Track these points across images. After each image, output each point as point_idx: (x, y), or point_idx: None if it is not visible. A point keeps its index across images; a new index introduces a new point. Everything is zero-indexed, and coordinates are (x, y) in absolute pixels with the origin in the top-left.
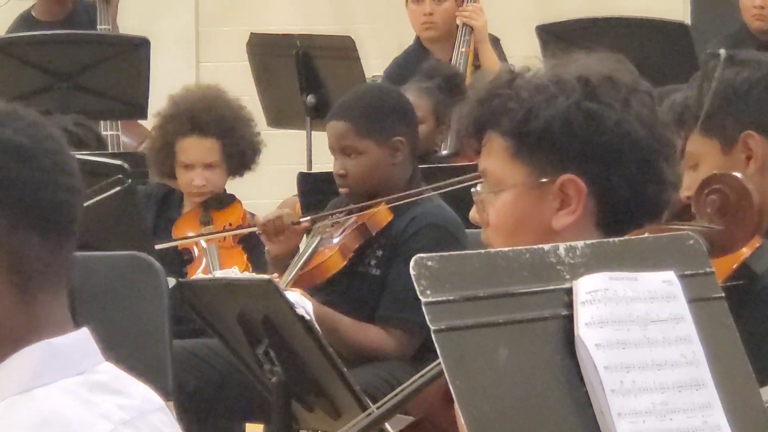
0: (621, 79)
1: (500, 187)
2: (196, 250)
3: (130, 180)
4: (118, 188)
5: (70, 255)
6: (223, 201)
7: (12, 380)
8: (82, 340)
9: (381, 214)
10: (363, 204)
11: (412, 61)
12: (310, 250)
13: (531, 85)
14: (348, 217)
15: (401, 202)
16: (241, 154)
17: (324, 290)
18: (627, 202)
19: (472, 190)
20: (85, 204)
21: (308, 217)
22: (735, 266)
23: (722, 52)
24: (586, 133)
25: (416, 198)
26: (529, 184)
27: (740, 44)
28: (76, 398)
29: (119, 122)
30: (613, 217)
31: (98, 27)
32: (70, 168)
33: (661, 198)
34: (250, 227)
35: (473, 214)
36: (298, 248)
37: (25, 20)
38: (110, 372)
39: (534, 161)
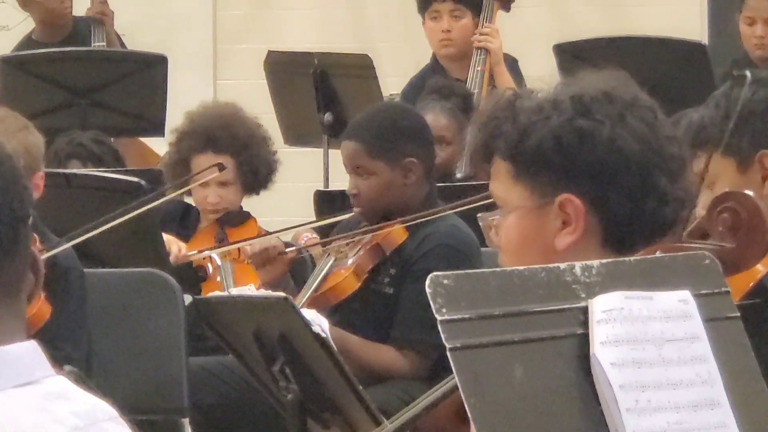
0: (618, 95)
1: (506, 209)
2: (210, 268)
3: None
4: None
5: (22, 262)
6: (237, 218)
7: None
8: (31, 350)
9: (396, 233)
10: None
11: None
12: (324, 272)
13: (529, 107)
14: (361, 237)
15: (412, 222)
16: (255, 173)
17: (337, 308)
18: (628, 219)
19: (478, 215)
20: (115, 223)
21: (293, 248)
22: (751, 285)
23: (748, 74)
24: (578, 151)
25: (429, 218)
26: (531, 205)
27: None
28: (29, 404)
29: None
30: (616, 235)
31: (92, 44)
32: None
33: (663, 213)
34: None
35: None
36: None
37: (27, 43)
38: (62, 383)
39: (533, 182)
